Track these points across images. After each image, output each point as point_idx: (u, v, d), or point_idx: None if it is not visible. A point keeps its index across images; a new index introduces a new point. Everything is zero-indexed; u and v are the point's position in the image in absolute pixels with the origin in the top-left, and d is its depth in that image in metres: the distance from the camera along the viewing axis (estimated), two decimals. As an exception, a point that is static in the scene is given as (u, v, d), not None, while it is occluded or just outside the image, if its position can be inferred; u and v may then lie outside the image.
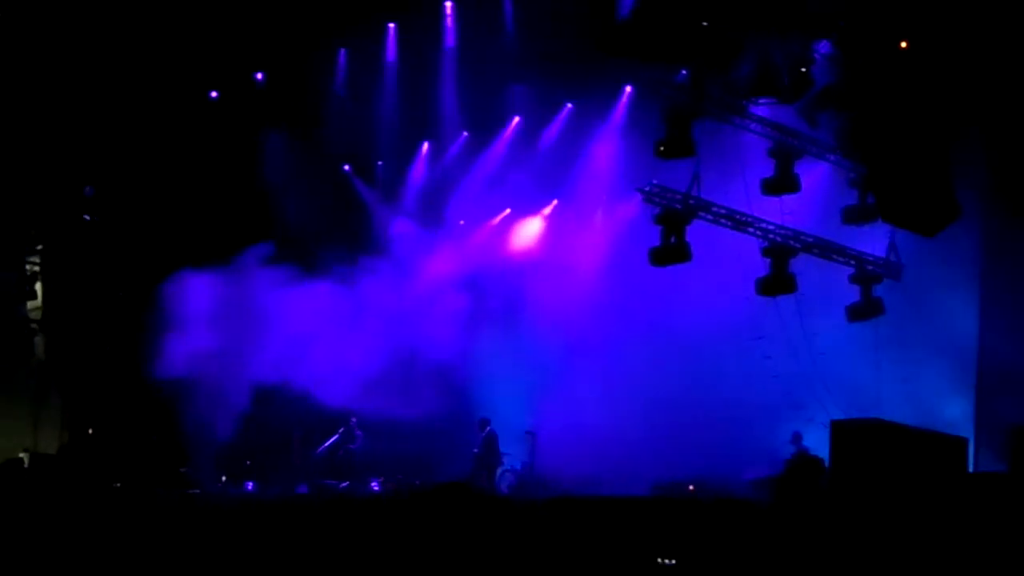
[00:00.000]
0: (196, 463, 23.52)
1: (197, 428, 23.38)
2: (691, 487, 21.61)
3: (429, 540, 12.75)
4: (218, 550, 13.59)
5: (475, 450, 23.80)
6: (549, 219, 26.81)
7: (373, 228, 27.31)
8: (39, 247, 25.16)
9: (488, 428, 23.96)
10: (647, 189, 21.74)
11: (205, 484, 23.05)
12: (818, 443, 20.25)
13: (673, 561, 13.15)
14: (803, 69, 19.85)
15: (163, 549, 13.61)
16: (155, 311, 23.57)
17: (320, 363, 24.09)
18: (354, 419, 24.44)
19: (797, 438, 22.16)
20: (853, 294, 23.17)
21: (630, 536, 13.87)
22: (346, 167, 27.77)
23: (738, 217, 22.48)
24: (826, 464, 16.17)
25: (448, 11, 24.80)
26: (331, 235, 25.95)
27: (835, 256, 23.32)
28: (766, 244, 22.54)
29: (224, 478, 24.01)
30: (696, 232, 21.75)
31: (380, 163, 27.68)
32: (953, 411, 21.70)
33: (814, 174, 23.06)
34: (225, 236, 24.82)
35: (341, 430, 24.47)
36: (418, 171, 27.56)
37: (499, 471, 23.93)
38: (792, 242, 22.67)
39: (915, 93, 18.61)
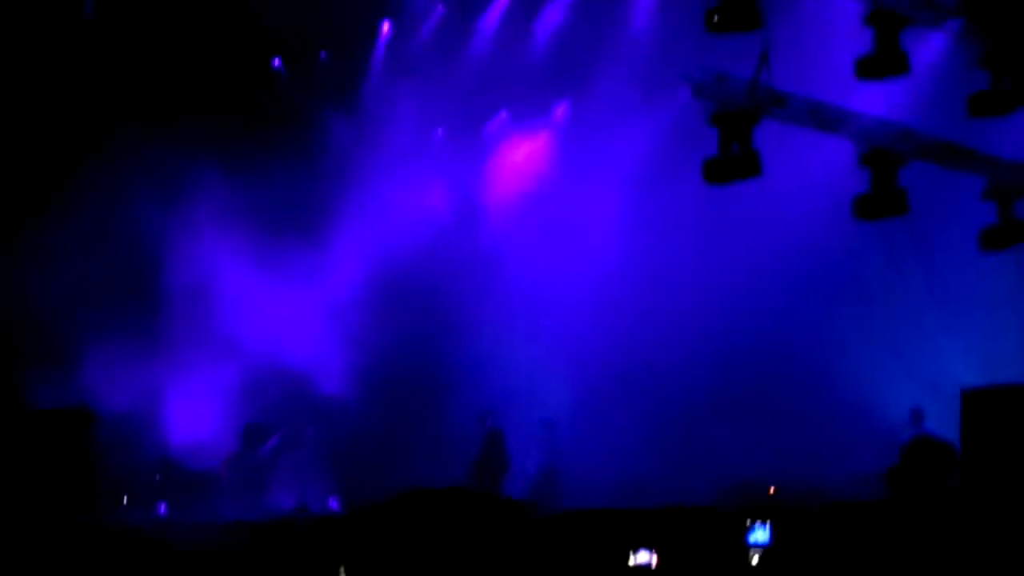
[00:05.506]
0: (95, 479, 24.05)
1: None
2: (771, 488, 22.09)
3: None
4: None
5: (474, 453, 24.33)
6: (559, 127, 27.29)
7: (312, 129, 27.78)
8: None
9: (490, 423, 24.38)
10: (697, 77, 22.02)
11: (102, 506, 23.52)
12: (945, 421, 20.76)
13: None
14: None
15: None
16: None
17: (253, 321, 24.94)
18: (310, 429, 25.13)
19: (917, 416, 22.71)
20: (987, 214, 23.65)
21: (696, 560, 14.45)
22: (276, 61, 28.15)
23: (825, 112, 22.77)
24: (957, 449, 16.63)
25: None
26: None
27: (961, 162, 23.70)
28: (865, 149, 22.93)
29: (126, 498, 24.48)
30: (767, 136, 21.98)
31: (323, 54, 28.10)
32: None
33: (928, 49, 23.45)
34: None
35: (284, 428, 25.17)
36: (377, 62, 27.94)
37: (506, 477, 24.40)
38: (901, 144, 23.03)
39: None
